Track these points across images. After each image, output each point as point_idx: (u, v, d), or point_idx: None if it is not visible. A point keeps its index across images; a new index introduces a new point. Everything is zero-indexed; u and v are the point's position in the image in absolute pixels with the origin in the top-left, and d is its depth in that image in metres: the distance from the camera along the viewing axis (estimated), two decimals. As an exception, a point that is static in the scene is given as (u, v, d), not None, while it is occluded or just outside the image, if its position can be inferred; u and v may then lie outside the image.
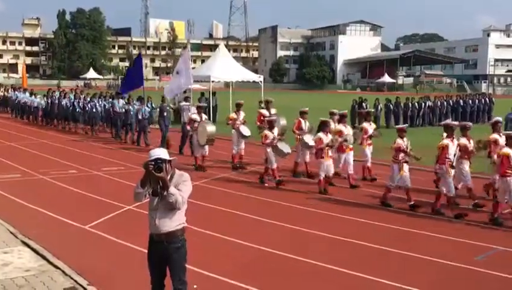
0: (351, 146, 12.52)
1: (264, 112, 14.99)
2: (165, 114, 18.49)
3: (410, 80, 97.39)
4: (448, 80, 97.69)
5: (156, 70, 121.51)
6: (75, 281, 6.39)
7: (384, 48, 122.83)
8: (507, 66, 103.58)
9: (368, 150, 13.07)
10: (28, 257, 7.23)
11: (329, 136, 11.58)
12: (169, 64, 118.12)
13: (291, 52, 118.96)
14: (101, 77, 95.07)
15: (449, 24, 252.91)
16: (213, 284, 6.52)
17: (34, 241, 7.84)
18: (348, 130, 12.68)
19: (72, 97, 25.07)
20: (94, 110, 22.95)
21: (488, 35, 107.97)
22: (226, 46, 36.40)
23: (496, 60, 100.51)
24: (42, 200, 10.69)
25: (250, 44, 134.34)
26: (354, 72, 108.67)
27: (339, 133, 12.35)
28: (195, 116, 14.67)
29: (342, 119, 13.03)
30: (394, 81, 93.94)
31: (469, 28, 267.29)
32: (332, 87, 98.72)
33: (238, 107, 15.24)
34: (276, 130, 12.48)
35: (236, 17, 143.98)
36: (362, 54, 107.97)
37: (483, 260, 7.46)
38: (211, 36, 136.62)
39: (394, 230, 9.03)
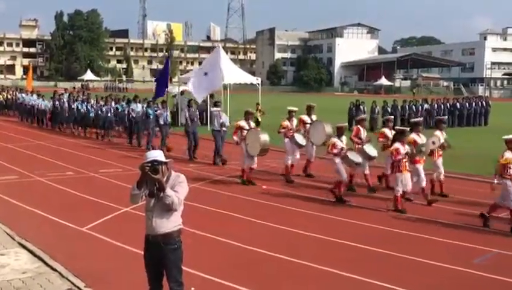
0: (424, 157, 11.26)
1: (306, 118, 14.00)
2: (195, 120, 16.98)
3: (408, 82, 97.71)
4: (445, 83, 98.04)
5: (154, 72, 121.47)
6: (72, 283, 6.37)
7: (381, 50, 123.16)
8: (504, 69, 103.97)
9: (440, 162, 11.70)
10: (25, 258, 7.21)
11: (407, 147, 10.37)
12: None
13: (288, 55, 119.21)
14: (98, 78, 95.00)
15: (446, 27, 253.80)
16: (210, 286, 6.50)
17: (31, 243, 7.81)
18: (421, 139, 11.37)
19: (77, 100, 24.44)
20: (109, 114, 21.66)
21: (485, 38, 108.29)
22: (224, 48, 36.42)
23: (493, 63, 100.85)
24: (39, 202, 10.66)
25: (248, 46, 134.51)
26: (352, 75, 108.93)
27: (413, 142, 11.06)
28: (244, 124, 13.10)
29: (415, 127, 11.69)
30: (391, 83, 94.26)
31: (466, 31, 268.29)
32: (329, 90, 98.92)
33: (290, 114, 13.88)
34: (344, 138, 11.46)
35: (234, 20, 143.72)
36: (359, 57, 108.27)
37: (482, 263, 7.47)
38: (208, 38, 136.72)
39: (390, 233, 9.02)
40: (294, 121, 13.85)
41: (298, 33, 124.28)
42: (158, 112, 18.54)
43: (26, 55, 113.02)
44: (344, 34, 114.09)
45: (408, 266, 7.38)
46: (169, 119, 18.67)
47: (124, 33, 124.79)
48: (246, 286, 6.47)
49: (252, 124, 13.34)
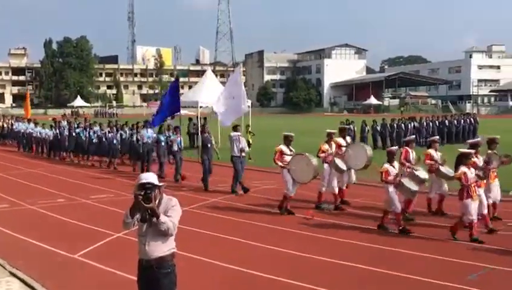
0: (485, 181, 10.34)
1: (341, 140, 13.21)
2: (209, 146, 15.62)
3: (396, 101, 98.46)
4: (433, 101, 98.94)
5: (144, 97, 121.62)
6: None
7: (369, 70, 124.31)
8: (490, 86, 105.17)
9: (497, 185, 10.85)
10: (17, 287, 7.14)
11: (472, 171, 9.47)
12: (156, 91, 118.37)
13: (278, 76, 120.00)
14: (88, 104, 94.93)
15: (432, 46, 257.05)
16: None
17: (22, 271, 7.73)
18: (480, 161, 10.51)
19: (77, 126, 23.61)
20: (115, 141, 20.73)
21: (470, 56, 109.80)
22: (213, 71, 36.59)
23: (479, 81, 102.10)
24: (30, 230, 10.57)
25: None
26: (341, 95, 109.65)
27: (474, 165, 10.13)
28: (284, 148, 12.13)
29: (474, 147, 10.84)
30: (380, 103, 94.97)
31: (452, 50, 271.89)
32: (319, 110, 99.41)
33: (330, 136, 12.93)
34: (396, 164, 10.43)
35: (223, 43, 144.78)
36: (348, 77, 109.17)
37: (476, 280, 7.48)
38: (197, 62, 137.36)
39: (382, 251, 9.02)
40: (333, 145, 12.80)
41: (287, 55, 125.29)
42: (172, 138, 17.82)
43: (15, 83, 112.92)
44: (332, 55, 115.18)
45: (402, 284, 7.37)
46: (182, 145, 17.88)
47: (113, 59, 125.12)
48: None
49: (292, 149, 12.32)
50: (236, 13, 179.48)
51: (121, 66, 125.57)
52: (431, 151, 11.67)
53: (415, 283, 7.39)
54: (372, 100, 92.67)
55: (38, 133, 26.52)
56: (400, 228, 10.05)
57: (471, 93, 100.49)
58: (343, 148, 12.89)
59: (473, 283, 7.30)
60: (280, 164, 12.00)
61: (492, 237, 9.56)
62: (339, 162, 12.47)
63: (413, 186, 10.31)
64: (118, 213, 11.62)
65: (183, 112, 26.20)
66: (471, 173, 9.37)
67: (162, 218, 4.78)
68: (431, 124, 29.94)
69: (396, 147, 11.38)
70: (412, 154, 11.56)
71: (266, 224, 11.03)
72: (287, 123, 48.98)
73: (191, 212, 11.81)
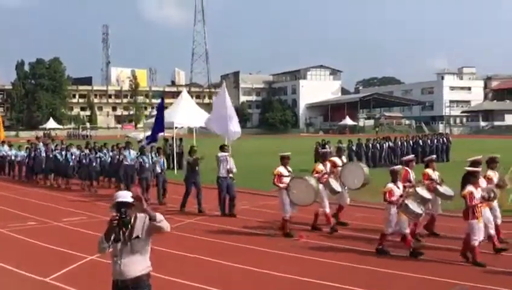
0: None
1: (337, 160, 12.97)
2: (197, 169, 14.98)
3: (371, 122, 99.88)
4: (407, 122, 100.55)
5: (118, 119, 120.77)
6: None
7: (344, 91, 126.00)
8: (462, 107, 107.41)
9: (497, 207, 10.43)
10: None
11: (479, 191, 9.19)
12: (131, 112, 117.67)
13: (253, 98, 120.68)
14: (61, 126, 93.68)
15: (405, 68, 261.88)
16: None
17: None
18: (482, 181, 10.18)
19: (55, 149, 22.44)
20: (94, 163, 20.19)
21: (442, 78, 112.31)
22: (189, 92, 36.65)
23: (451, 102, 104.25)
24: (0, 254, 10.23)
25: (213, 90, 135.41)
26: (316, 116, 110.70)
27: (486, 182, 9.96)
28: (283, 170, 11.81)
29: (491, 163, 10.72)
30: (355, 123, 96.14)
31: (424, 71, 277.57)
32: (295, 131, 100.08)
33: (324, 156, 12.89)
34: (400, 184, 10.01)
35: (198, 64, 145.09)
36: (323, 98, 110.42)
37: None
38: (173, 83, 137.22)
39: (363, 270, 8.97)
40: (328, 165, 12.48)
41: (262, 76, 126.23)
42: (154, 159, 17.26)
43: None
44: (307, 76, 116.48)
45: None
46: (165, 166, 17.45)
47: (87, 80, 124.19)
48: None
49: (290, 169, 12.03)
50: (212, 34, 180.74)
51: (95, 88, 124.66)
52: (428, 171, 11.41)
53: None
54: (348, 121, 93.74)
55: (13, 156, 25.63)
56: (411, 250, 9.65)
57: (443, 113, 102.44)
58: (339, 168, 12.56)
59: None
60: (281, 185, 11.60)
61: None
62: (333, 183, 12.13)
63: (417, 209, 9.75)
64: (90, 235, 11.39)
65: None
66: (477, 193, 9.09)
67: (158, 217, 4.71)
68: (405, 143, 30.32)
69: (400, 166, 10.86)
70: (412, 174, 11.15)
71: (244, 244, 10.90)
72: (264, 144, 49.06)
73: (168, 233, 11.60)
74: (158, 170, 16.93)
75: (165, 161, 17.44)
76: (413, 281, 8.29)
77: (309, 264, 9.38)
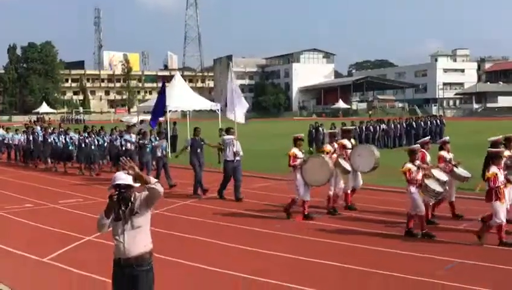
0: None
1: (346, 142, 12.51)
2: (199, 151, 14.77)
3: (364, 105, 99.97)
4: (400, 104, 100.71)
5: (111, 103, 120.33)
6: (35, 314, 6.17)
7: (337, 74, 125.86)
8: (455, 89, 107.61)
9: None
10: (-16, 292, 6.94)
11: (502, 172, 8.99)
12: (124, 96, 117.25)
13: (246, 81, 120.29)
14: (54, 111, 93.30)
15: (399, 50, 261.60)
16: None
17: (-11, 276, 7.54)
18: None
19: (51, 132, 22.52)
20: (93, 147, 20.05)
21: (436, 60, 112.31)
22: (182, 76, 36.50)
23: (445, 84, 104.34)
24: (-4, 235, 10.31)
25: (206, 74, 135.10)
26: (309, 99, 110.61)
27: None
28: (297, 152, 11.50)
29: (509, 142, 10.58)
30: (349, 106, 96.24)
31: (418, 54, 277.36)
32: (288, 115, 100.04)
33: (332, 137, 12.60)
34: (418, 163, 9.80)
35: (191, 48, 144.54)
36: (316, 81, 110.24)
37: (445, 273, 7.61)
38: (166, 67, 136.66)
39: (352, 248, 9.12)
40: (335, 145, 12.23)
41: (255, 60, 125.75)
42: (156, 143, 16.92)
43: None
44: (300, 59, 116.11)
45: (377, 280, 7.46)
46: (167, 150, 17.09)
47: (79, 64, 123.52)
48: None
49: (303, 151, 11.75)
50: (205, 18, 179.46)
51: (88, 72, 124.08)
52: (443, 153, 11.06)
53: (384, 278, 7.50)
54: (341, 104, 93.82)
55: (10, 140, 25.65)
56: (423, 231, 9.48)
57: (437, 96, 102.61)
58: (348, 151, 12.19)
59: (442, 277, 7.42)
60: (297, 163, 11.31)
61: (458, 233, 9.75)
62: (343, 162, 11.78)
63: (438, 187, 9.69)
64: (86, 217, 11.50)
65: (149, 117, 25.88)
66: (501, 175, 8.94)
67: (152, 180, 4.76)
68: (399, 126, 30.44)
69: (418, 145, 10.52)
70: (428, 157, 10.87)
71: (241, 225, 11.02)
72: (258, 127, 49.10)
73: (162, 215, 11.72)
74: (159, 153, 16.60)
75: (166, 145, 17.07)
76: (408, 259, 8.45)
77: (306, 244, 9.51)
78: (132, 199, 4.86)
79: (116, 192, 4.77)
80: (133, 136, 18.38)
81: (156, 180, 4.84)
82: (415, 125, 31.24)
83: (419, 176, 9.56)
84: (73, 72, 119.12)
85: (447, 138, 11.64)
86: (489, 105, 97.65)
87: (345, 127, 14.24)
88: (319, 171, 11.13)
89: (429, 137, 11.53)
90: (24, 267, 8.30)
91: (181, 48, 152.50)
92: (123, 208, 4.83)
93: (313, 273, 7.81)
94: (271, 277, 7.50)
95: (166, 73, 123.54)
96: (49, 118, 77.71)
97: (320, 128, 27.90)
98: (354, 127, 13.07)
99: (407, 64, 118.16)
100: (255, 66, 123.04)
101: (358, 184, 12.36)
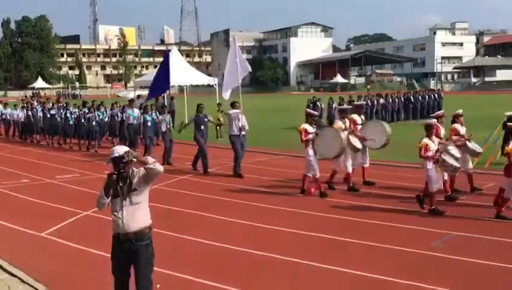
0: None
1: (356, 117, 12.10)
2: (202, 128, 14.40)
3: (362, 79, 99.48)
4: (399, 79, 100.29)
5: (107, 78, 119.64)
6: (34, 287, 6.21)
7: (335, 49, 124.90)
8: (453, 63, 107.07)
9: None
10: (-18, 267, 6.96)
11: None
12: (120, 71, 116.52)
13: (244, 56, 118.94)
14: (50, 86, 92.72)
15: (397, 24, 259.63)
16: (175, 282, 6.44)
17: (-12, 251, 7.55)
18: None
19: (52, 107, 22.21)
20: (94, 122, 19.64)
21: (434, 33, 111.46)
22: (179, 51, 36.15)
23: (443, 58, 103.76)
24: (-6, 210, 10.32)
25: (203, 48, 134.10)
26: (307, 74, 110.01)
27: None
28: (308, 127, 11.18)
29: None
30: (347, 81, 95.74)
31: (416, 27, 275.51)
32: (286, 89, 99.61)
33: (343, 113, 12.31)
34: (435, 139, 9.61)
35: (188, 22, 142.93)
36: (314, 56, 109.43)
37: (440, 246, 7.66)
38: (162, 42, 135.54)
39: (349, 221, 9.16)
40: (347, 122, 11.87)
41: (253, 34, 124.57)
42: (160, 117, 16.54)
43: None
44: (298, 34, 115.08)
45: (372, 252, 7.51)
46: (171, 124, 16.67)
47: (74, 39, 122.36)
48: (212, 280, 6.44)
49: (315, 126, 11.41)
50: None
51: (83, 46, 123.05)
52: (456, 126, 10.89)
53: (380, 250, 7.55)
54: (339, 78, 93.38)
55: (8, 115, 25.36)
56: (432, 207, 9.36)
57: (435, 70, 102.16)
58: (359, 126, 11.90)
59: (438, 249, 7.48)
60: (310, 137, 11.03)
61: (452, 206, 9.79)
62: (354, 140, 11.52)
63: (455, 162, 9.50)
64: (84, 192, 11.51)
65: (146, 92, 25.64)
66: None
67: (149, 160, 4.75)
68: (397, 100, 30.38)
69: (435, 120, 10.24)
70: (442, 130, 10.69)
71: (239, 200, 11.06)
72: (256, 102, 48.93)
73: (163, 190, 11.73)
74: (163, 128, 16.21)
75: (170, 119, 16.77)
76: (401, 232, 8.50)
77: (302, 218, 9.55)
78: (130, 174, 4.84)
79: (116, 171, 4.75)
80: (136, 110, 18.03)
81: (154, 160, 4.81)
82: (413, 100, 31.19)
83: (435, 152, 9.28)
84: (69, 46, 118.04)
85: (460, 111, 11.33)
86: (487, 79, 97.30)
87: (356, 102, 13.81)
88: (331, 144, 10.89)
89: (442, 111, 11.21)
90: (22, 242, 8.33)
91: (177, 22, 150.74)
92: (121, 184, 4.81)
93: (309, 246, 7.86)
94: (276, 253, 7.54)
95: (162, 47, 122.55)
96: (45, 93, 77.27)
97: (318, 103, 27.84)
98: (364, 102, 12.40)
99: (406, 38, 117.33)
100: (252, 41, 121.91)
101: (365, 161, 12.01)
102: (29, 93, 74.71)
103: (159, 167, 4.78)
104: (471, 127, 11.72)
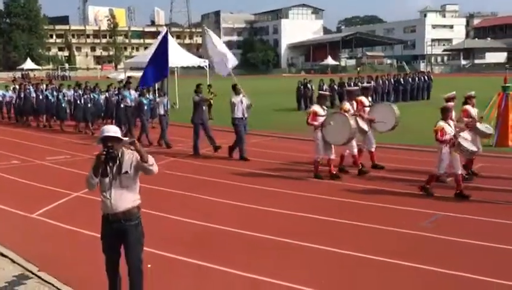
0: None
1: (364, 99, 11.79)
2: (204, 108, 14.31)
3: (353, 61, 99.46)
4: (389, 61, 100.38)
5: (97, 59, 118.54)
6: (25, 268, 6.24)
7: (326, 31, 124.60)
8: (443, 45, 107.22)
9: None
10: (-27, 247, 6.98)
11: None
12: (110, 53, 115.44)
13: (235, 38, 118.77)
14: (39, 67, 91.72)
15: (388, 6, 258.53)
16: (165, 262, 6.49)
17: (-22, 232, 7.57)
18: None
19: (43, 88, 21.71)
20: (89, 104, 19.27)
21: (425, 16, 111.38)
22: (169, 32, 35.90)
23: (433, 40, 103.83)
24: (-16, 191, 10.31)
25: (193, 30, 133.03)
26: (298, 56, 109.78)
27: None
28: (318, 109, 11.01)
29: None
30: (337, 63, 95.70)
31: (407, 9, 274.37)
32: (277, 71, 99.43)
33: (351, 95, 12.08)
34: (451, 122, 9.36)
35: (178, 3, 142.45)
36: (305, 38, 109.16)
37: (429, 226, 7.78)
38: (153, 23, 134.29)
39: (340, 202, 9.26)
40: (354, 104, 11.59)
41: (244, 15, 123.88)
42: (158, 99, 16.12)
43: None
44: (289, 15, 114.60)
45: (362, 233, 7.61)
46: (168, 107, 16.16)
47: (64, 20, 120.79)
48: (201, 259, 6.51)
49: (326, 108, 11.22)
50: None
51: (73, 27, 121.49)
52: (468, 107, 10.77)
53: (370, 231, 7.65)
54: (330, 61, 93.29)
55: (0, 97, 24.89)
56: (457, 191, 9.20)
57: (425, 52, 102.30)
58: (367, 109, 11.65)
59: (426, 229, 7.60)
60: (316, 123, 10.82)
61: (438, 187, 9.92)
62: (361, 122, 11.30)
63: (472, 146, 9.38)
64: (75, 174, 11.48)
65: (138, 74, 25.49)
66: None
67: (150, 160, 4.77)
68: (387, 82, 30.45)
69: (452, 103, 9.91)
70: (453, 113, 10.14)
71: (232, 181, 11.11)
72: (246, 84, 48.81)
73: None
74: (161, 111, 15.92)
75: (168, 101, 16.34)
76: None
77: (288, 198, 9.64)
78: (120, 155, 4.84)
79: (104, 151, 4.74)
80: (133, 92, 17.75)
81: (153, 160, 4.82)
82: (402, 82, 31.27)
83: (452, 135, 9.10)
84: (58, 27, 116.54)
85: (472, 93, 11.15)
86: (477, 61, 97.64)
87: (364, 84, 13.47)
88: (340, 130, 10.61)
89: (454, 92, 10.88)
90: (13, 223, 8.34)
91: (168, 3, 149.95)
92: (110, 164, 4.81)
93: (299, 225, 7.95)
94: (268, 233, 7.62)
95: (153, 29, 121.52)
96: (34, 75, 76.51)
97: (309, 85, 27.83)
98: (371, 84, 11.94)
99: (396, 21, 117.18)
100: (243, 22, 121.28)
101: (371, 145, 11.76)
102: (18, 74, 73.87)
103: (155, 169, 4.81)
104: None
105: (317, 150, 10.94)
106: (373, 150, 11.77)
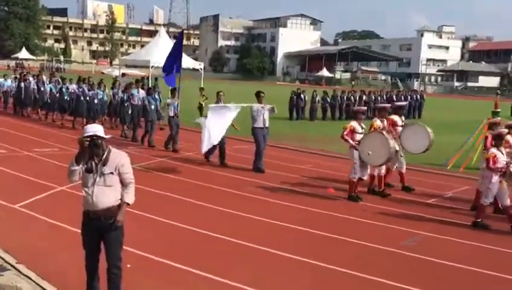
0: None
1: (397, 118, 11.17)
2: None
3: (348, 75, 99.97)
4: (383, 77, 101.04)
5: (93, 54, 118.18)
6: (3, 259, 6.20)
7: (323, 42, 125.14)
8: (438, 66, 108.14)
9: None
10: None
11: None
12: (106, 48, 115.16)
13: (232, 42, 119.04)
14: (34, 57, 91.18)
15: (385, 23, 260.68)
16: (146, 263, 6.49)
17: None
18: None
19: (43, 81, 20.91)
20: (96, 100, 18.43)
21: (422, 35, 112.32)
22: (167, 32, 35.78)
23: (428, 60, 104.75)
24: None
25: (191, 32, 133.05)
26: (294, 65, 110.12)
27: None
28: (356, 125, 10.35)
29: None
30: (332, 75, 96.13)
31: (404, 27, 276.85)
32: (272, 79, 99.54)
33: (382, 112, 11.11)
34: (503, 150, 8.78)
35: (178, 4, 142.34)
36: (302, 48, 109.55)
37: (409, 245, 7.83)
38: (151, 22, 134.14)
39: (323, 215, 9.30)
40: (385, 121, 10.92)
41: (242, 21, 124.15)
42: (168, 101, 15.29)
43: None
44: (288, 24, 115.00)
45: (342, 247, 7.65)
46: (178, 109, 15.27)
47: (62, 12, 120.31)
48: (182, 263, 6.51)
49: (364, 126, 10.49)
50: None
51: (71, 20, 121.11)
52: (509, 137, 9.76)
53: (352, 246, 7.69)
54: (325, 72, 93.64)
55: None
56: (478, 220, 8.76)
57: (419, 71, 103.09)
58: (399, 128, 10.98)
59: (405, 248, 7.65)
60: (351, 142, 10.20)
61: (423, 207, 9.99)
62: (391, 142, 10.27)
63: None
64: (61, 167, 11.39)
65: (133, 71, 25.52)
66: None
67: (130, 200, 5.01)
68: (379, 98, 30.64)
69: (506, 130, 9.38)
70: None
71: (218, 187, 11.13)
72: (240, 89, 48.84)
73: (141, 171, 11.73)
74: (171, 113, 15.13)
75: (179, 103, 15.26)
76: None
77: (275, 207, 9.67)
78: (104, 147, 4.84)
79: (88, 138, 4.74)
80: (142, 91, 17.20)
81: (130, 196, 5.02)
82: (395, 99, 31.41)
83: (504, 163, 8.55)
84: (56, 19, 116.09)
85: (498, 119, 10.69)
86: (470, 84, 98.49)
87: (398, 102, 12.92)
88: (379, 150, 9.86)
89: (499, 118, 10.24)
90: (-6, 213, 8.29)
91: (168, 2, 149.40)
92: (96, 161, 4.81)
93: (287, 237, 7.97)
94: (246, 240, 7.64)
95: (151, 27, 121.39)
96: (28, 64, 76.08)
97: (302, 96, 27.95)
98: (406, 102, 11.02)
99: (393, 38, 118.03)
100: (241, 28, 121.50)
101: (402, 165, 11.15)
102: (12, 63, 73.41)
103: (131, 200, 5.03)
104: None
105: (353, 170, 10.21)
106: (403, 171, 11.24)
